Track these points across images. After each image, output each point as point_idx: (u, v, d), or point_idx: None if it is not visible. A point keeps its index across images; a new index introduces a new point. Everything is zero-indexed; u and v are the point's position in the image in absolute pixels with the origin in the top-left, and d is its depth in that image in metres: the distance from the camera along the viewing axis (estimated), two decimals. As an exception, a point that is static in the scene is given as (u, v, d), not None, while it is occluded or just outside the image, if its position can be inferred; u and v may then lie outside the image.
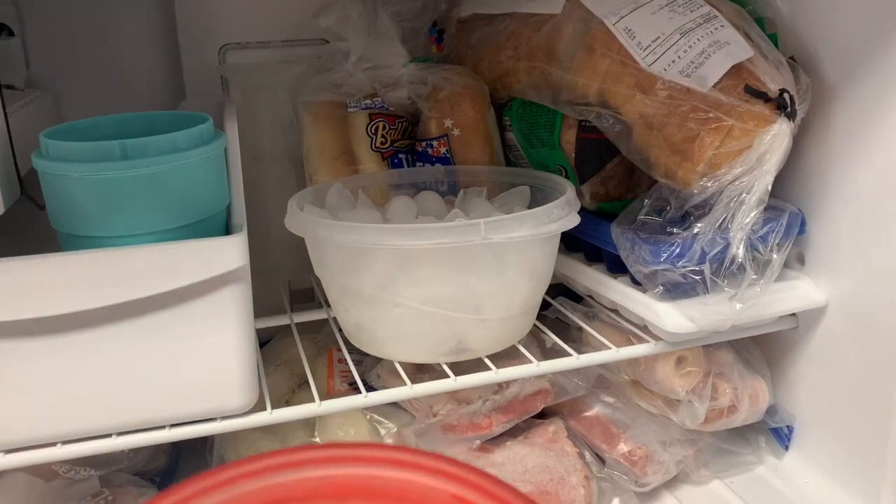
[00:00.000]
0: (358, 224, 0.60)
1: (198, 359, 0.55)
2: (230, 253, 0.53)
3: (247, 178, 0.66)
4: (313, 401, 0.62)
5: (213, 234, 0.56)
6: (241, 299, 0.56)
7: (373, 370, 0.75)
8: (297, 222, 0.63)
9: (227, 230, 0.60)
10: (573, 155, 0.75)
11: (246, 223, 0.58)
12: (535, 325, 0.71)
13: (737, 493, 0.73)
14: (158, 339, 0.54)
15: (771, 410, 0.75)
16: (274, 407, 0.61)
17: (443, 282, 0.61)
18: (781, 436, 0.75)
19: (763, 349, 0.77)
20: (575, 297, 0.80)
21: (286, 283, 0.92)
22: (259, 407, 0.60)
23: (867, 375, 0.66)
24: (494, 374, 0.64)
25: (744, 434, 0.77)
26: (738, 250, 0.62)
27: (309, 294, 0.89)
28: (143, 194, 0.54)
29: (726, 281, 0.62)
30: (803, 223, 0.69)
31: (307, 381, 0.86)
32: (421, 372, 0.67)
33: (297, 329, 0.75)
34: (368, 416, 0.74)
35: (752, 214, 0.62)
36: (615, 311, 0.73)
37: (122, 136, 0.54)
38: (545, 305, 0.78)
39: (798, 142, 0.66)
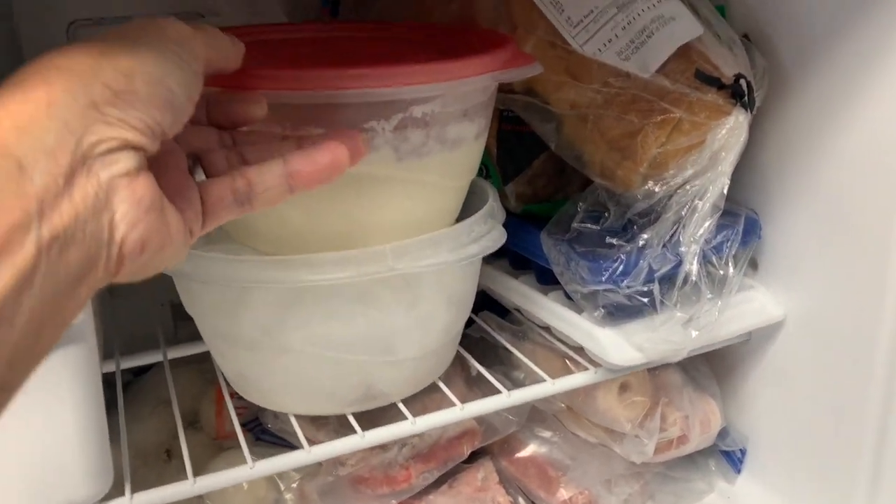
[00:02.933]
0: (230, 257, 0.47)
1: (19, 446, 0.42)
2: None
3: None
4: (204, 454, 0.51)
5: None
6: (80, 362, 0.43)
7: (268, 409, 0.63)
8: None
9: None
10: (494, 150, 0.64)
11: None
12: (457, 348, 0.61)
13: (688, 529, 0.65)
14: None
15: (722, 433, 0.67)
16: (139, 471, 0.49)
17: (343, 321, 0.49)
18: (734, 459, 0.67)
19: (711, 363, 0.69)
20: (500, 307, 0.70)
21: (167, 303, 0.79)
22: (116, 491, 0.48)
23: (830, 393, 0.59)
24: (411, 426, 0.53)
25: (693, 458, 0.69)
26: (692, 267, 0.53)
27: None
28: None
29: (679, 303, 0.53)
30: (759, 228, 0.60)
31: (197, 421, 0.74)
32: (321, 424, 0.56)
33: (182, 358, 0.64)
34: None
35: (707, 224, 0.53)
36: (547, 328, 0.63)
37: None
38: (467, 322, 0.67)
39: (751, 134, 0.57)
